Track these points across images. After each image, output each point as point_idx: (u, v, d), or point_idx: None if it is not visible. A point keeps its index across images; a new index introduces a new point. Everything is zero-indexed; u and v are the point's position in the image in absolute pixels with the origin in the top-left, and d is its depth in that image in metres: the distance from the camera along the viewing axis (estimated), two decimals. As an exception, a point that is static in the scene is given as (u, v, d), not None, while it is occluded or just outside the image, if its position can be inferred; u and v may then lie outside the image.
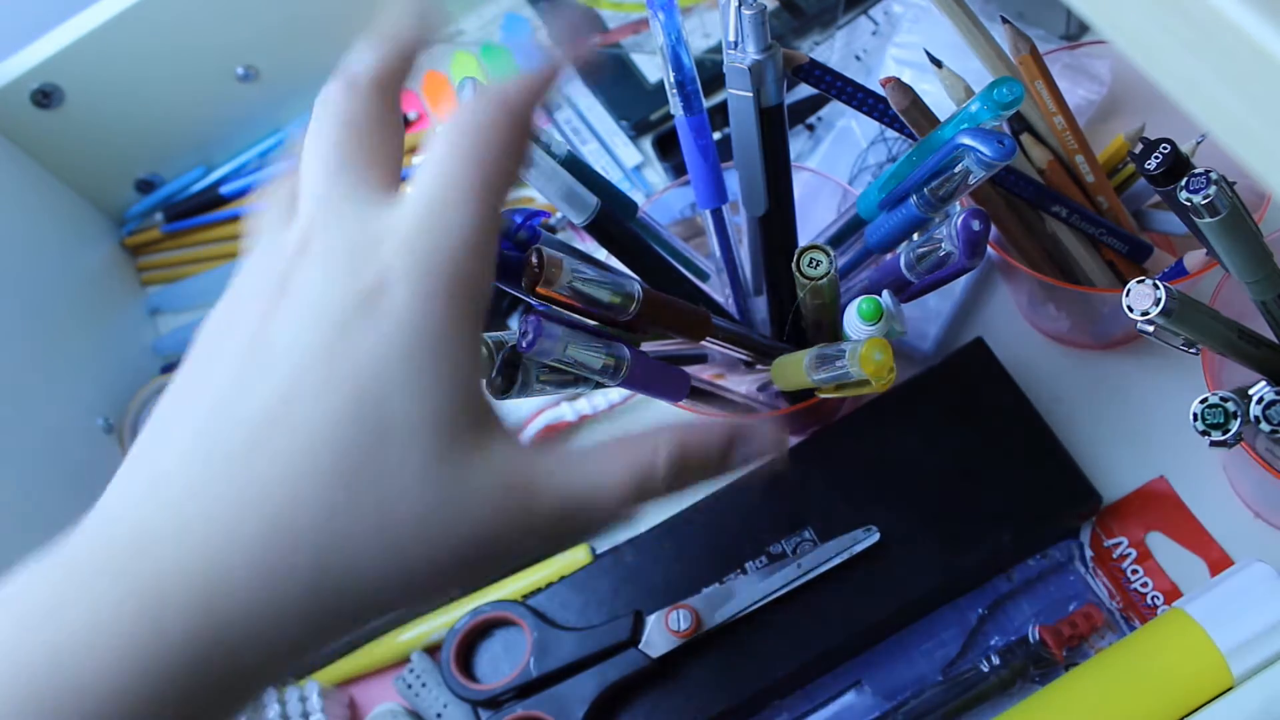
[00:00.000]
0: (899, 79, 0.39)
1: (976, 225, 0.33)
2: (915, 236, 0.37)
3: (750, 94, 0.37)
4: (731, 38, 0.37)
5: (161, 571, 0.23)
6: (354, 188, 0.26)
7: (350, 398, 0.24)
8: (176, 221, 0.63)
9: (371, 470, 0.24)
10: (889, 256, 0.38)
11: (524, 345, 0.32)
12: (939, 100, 0.40)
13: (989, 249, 0.43)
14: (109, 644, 0.22)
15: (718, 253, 0.42)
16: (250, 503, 0.24)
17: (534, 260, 0.32)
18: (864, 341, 0.34)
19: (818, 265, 0.36)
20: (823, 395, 0.38)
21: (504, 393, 0.34)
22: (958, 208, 0.35)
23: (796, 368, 0.37)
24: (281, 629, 0.24)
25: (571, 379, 0.35)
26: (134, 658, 0.22)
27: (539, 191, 0.35)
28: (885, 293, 0.36)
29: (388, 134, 0.28)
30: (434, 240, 0.25)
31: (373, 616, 0.26)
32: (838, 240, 0.41)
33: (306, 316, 0.25)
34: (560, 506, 0.27)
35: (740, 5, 0.35)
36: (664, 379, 0.37)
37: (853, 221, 0.40)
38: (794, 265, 0.36)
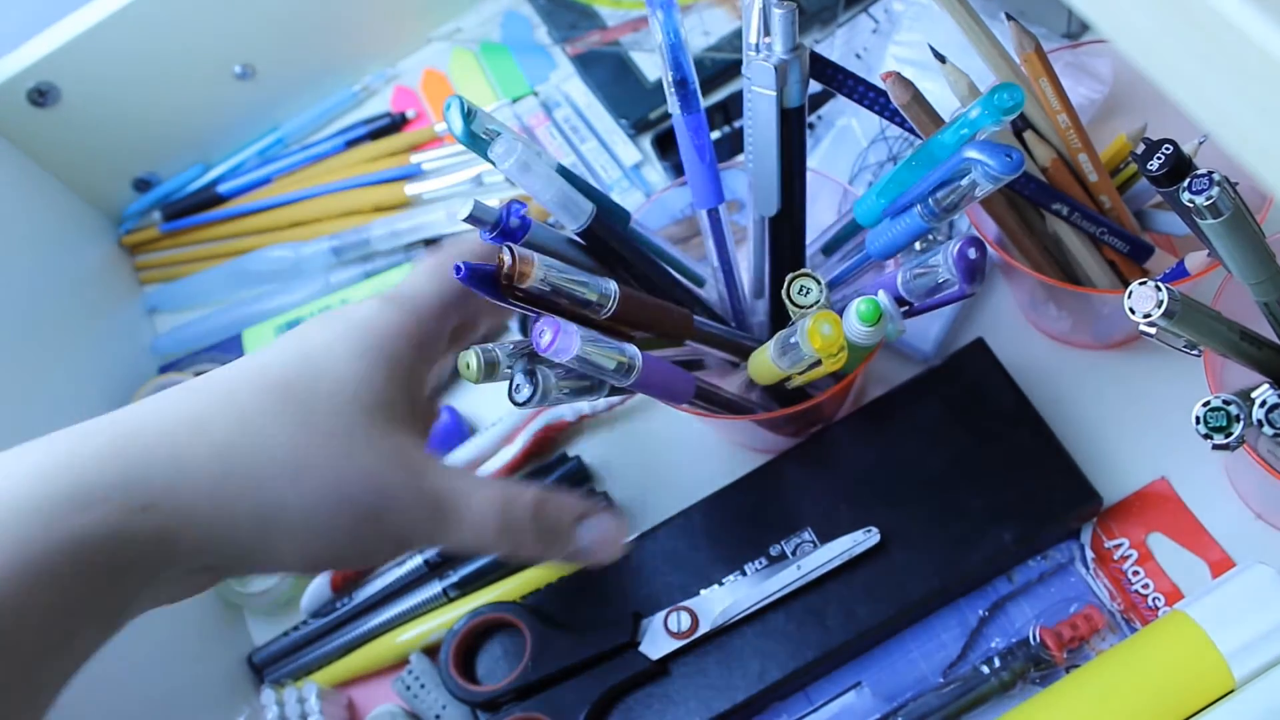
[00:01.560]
0: (899, 74, 0.39)
1: (973, 254, 0.33)
2: (916, 245, 0.37)
3: (774, 93, 0.36)
4: (754, 39, 0.36)
5: (88, 428, 0.31)
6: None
7: (296, 350, 0.34)
8: (174, 220, 0.63)
9: (301, 389, 0.33)
10: (886, 272, 0.38)
11: (543, 346, 0.32)
12: (941, 98, 0.40)
13: (989, 249, 0.43)
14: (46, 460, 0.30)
15: (713, 254, 0.42)
16: (192, 393, 0.33)
17: (506, 257, 0.32)
18: (811, 315, 0.33)
19: (807, 293, 0.36)
20: (797, 382, 0.38)
21: (527, 400, 0.34)
22: (956, 228, 0.35)
23: (763, 359, 0.37)
24: (184, 469, 0.31)
25: (586, 385, 0.35)
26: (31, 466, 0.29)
27: (534, 195, 0.35)
28: (881, 292, 0.35)
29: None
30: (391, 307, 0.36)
31: (274, 521, 0.32)
32: (833, 245, 0.41)
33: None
34: (440, 488, 0.34)
35: (773, 3, 0.34)
36: (672, 380, 0.37)
37: (849, 227, 0.40)
38: (784, 293, 0.36)
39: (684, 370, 0.38)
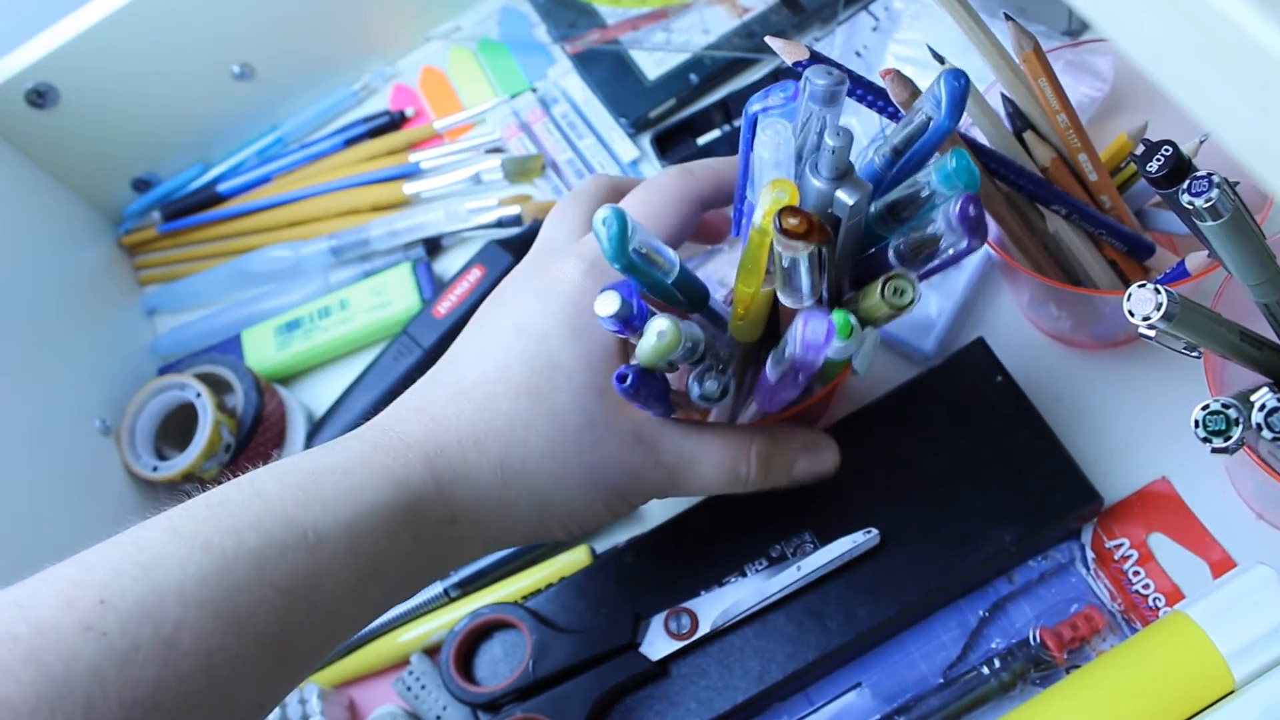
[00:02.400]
0: (899, 71, 0.39)
1: (973, 209, 0.33)
2: (904, 228, 0.36)
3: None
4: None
5: (410, 438, 0.36)
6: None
7: (526, 348, 0.37)
8: (174, 220, 0.63)
9: (545, 389, 0.36)
10: (874, 252, 0.37)
11: (813, 345, 0.33)
12: (939, 98, 0.40)
13: (991, 250, 0.43)
14: (376, 465, 0.35)
15: None
16: (465, 401, 0.37)
17: (805, 217, 0.31)
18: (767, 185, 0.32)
19: (903, 294, 0.35)
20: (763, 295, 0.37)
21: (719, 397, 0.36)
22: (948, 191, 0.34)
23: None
24: (476, 485, 0.36)
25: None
26: (386, 474, 0.34)
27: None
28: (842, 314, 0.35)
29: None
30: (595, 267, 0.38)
31: (545, 513, 0.37)
32: None
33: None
34: (676, 459, 0.38)
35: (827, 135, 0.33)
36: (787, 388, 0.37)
37: None
38: (879, 293, 0.35)
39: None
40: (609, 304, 0.33)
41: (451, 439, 0.36)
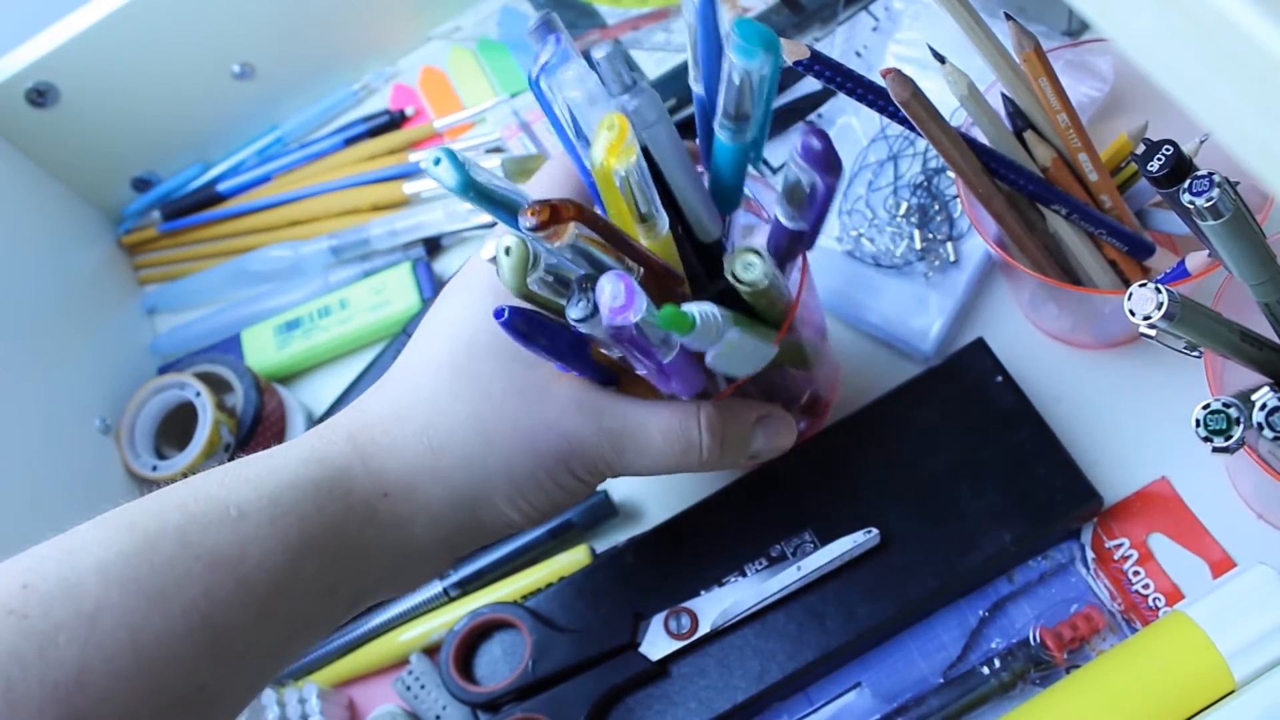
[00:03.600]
0: (899, 70, 0.39)
1: (816, 142, 0.32)
2: (772, 182, 0.35)
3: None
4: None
5: (335, 423, 0.36)
6: None
7: (450, 331, 0.38)
8: (174, 220, 0.63)
9: (467, 363, 0.36)
10: (769, 222, 0.37)
11: (614, 305, 0.30)
12: (940, 97, 0.40)
13: (991, 250, 0.43)
14: (299, 444, 0.35)
15: None
16: (388, 385, 0.38)
17: (545, 206, 0.30)
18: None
19: (750, 268, 0.35)
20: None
21: (584, 318, 0.32)
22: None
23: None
24: (404, 456, 0.35)
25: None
26: (309, 450, 0.35)
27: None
28: (696, 307, 0.33)
29: None
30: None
31: (485, 483, 0.36)
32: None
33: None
34: (620, 425, 0.37)
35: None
36: (691, 372, 0.37)
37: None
38: (729, 272, 0.35)
39: (700, 367, 0.37)
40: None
41: (373, 417, 0.36)
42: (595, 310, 0.31)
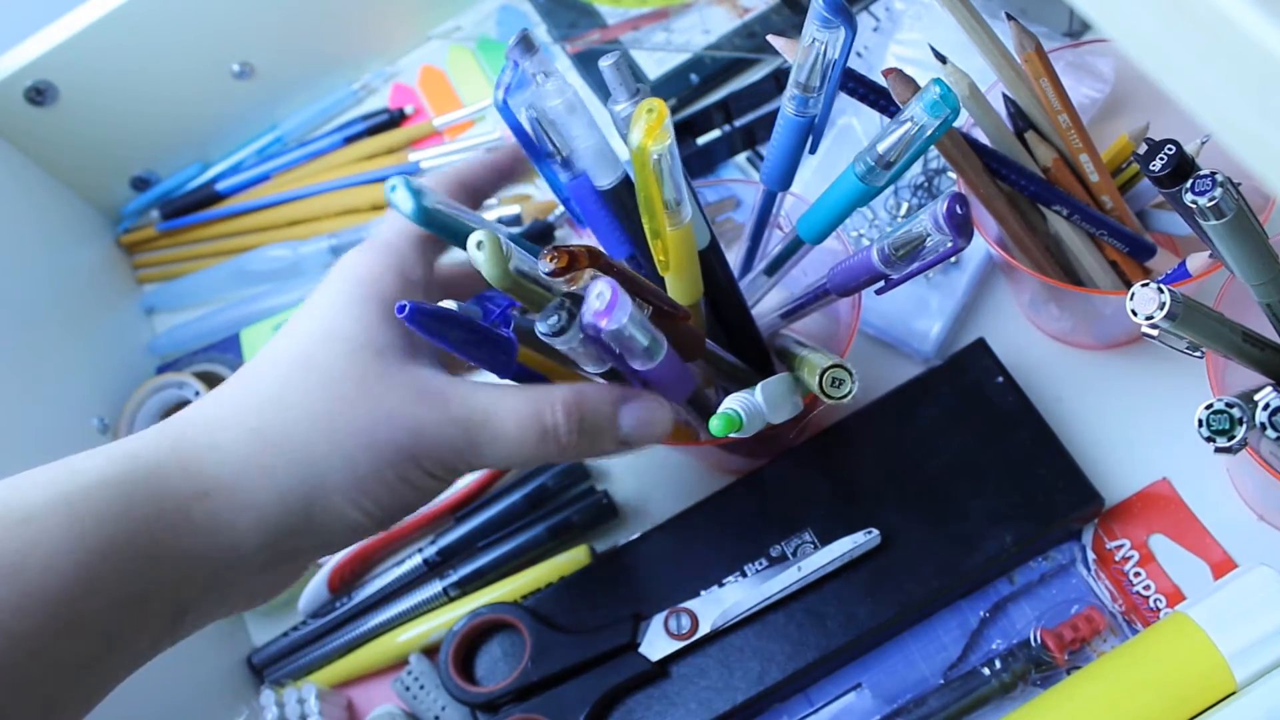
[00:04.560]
0: (900, 70, 0.38)
1: (960, 209, 0.33)
2: (888, 229, 0.36)
3: None
4: None
5: (159, 424, 0.34)
6: None
7: (306, 329, 0.36)
8: (173, 219, 0.63)
9: (320, 356, 0.34)
10: (855, 255, 0.37)
11: (598, 308, 0.30)
12: (940, 98, 0.40)
13: (992, 250, 0.43)
14: (109, 445, 0.33)
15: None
16: (227, 385, 0.35)
17: (564, 252, 0.31)
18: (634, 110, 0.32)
19: (840, 385, 0.37)
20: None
21: (555, 332, 0.32)
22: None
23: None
24: (228, 453, 0.33)
25: (593, 353, 0.34)
26: (118, 449, 0.32)
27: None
28: (734, 399, 0.36)
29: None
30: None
31: (321, 481, 0.34)
32: (779, 262, 0.41)
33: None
34: (468, 414, 0.35)
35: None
36: (680, 376, 0.37)
37: (792, 244, 0.40)
38: (818, 385, 0.37)
39: (690, 370, 0.38)
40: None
41: (202, 416, 0.34)
42: (566, 328, 0.32)
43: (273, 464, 0.33)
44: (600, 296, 0.30)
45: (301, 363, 0.35)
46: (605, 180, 0.36)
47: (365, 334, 0.35)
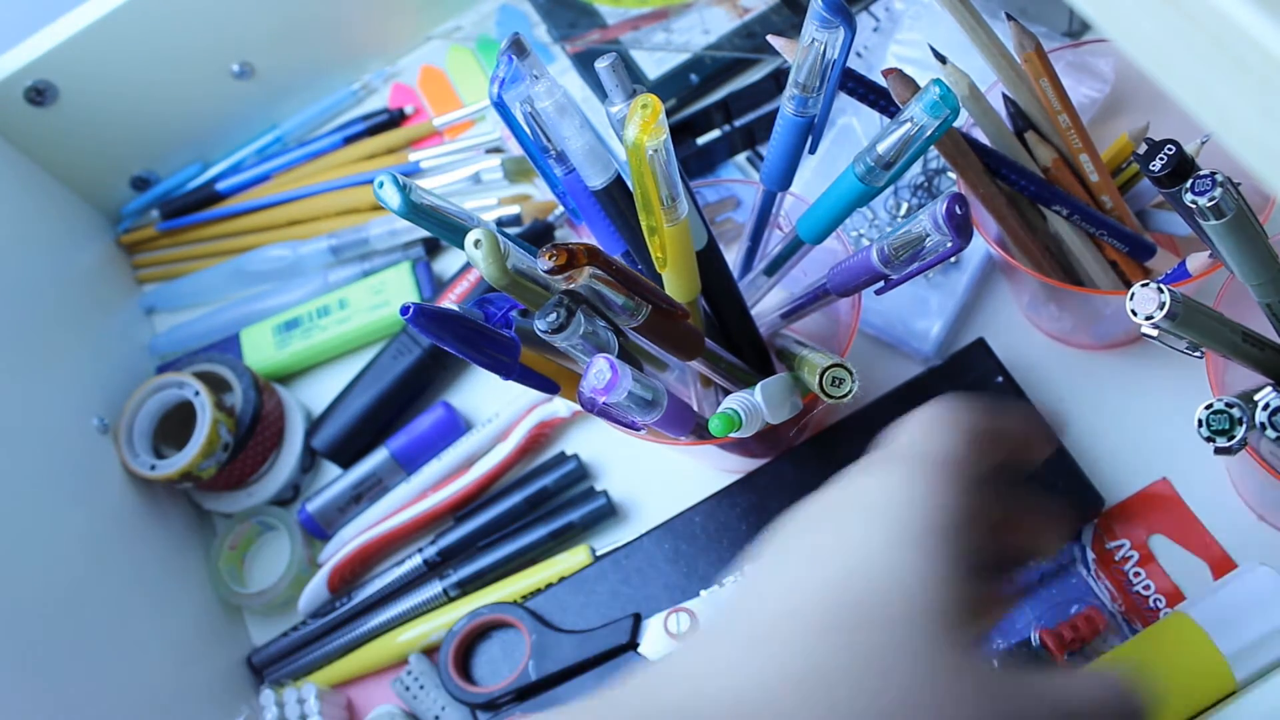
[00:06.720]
0: (900, 70, 0.38)
1: (959, 209, 0.33)
2: (888, 229, 0.37)
3: None
4: None
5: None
6: None
7: (824, 575, 0.27)
8: (172, 219, 0.63)
9: (867, 636, 0.26)
10: (855, 257, 0.37)
11: (599, 386, 0.31)
12: (940, 98, 0.40)
13: (992, 250, 0.43)
14: None
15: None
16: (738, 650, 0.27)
17: (563, 250, 0.31)
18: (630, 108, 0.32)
19: (841, 384, 0.37)
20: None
21: (552, 330, 0.32)
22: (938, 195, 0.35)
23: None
24: None
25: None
26: None
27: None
28: (734, 398, 0.37)
29: None
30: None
31: None
32: (779, 262, 0.41)
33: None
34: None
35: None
36: (681, 415, 0.37)
37: (792, 244, 0.40)
38: (818, 384, 0.37)
39: (690, 408, 0.38)
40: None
41: (711, 708, 0.26)
42: (564, 325, 0.32)
43: None
44: (600, 375, 0.31)
45: (836, 632, 0.26)
46: (597, 181, 0.36)
47: (926, 594, 0.27)
